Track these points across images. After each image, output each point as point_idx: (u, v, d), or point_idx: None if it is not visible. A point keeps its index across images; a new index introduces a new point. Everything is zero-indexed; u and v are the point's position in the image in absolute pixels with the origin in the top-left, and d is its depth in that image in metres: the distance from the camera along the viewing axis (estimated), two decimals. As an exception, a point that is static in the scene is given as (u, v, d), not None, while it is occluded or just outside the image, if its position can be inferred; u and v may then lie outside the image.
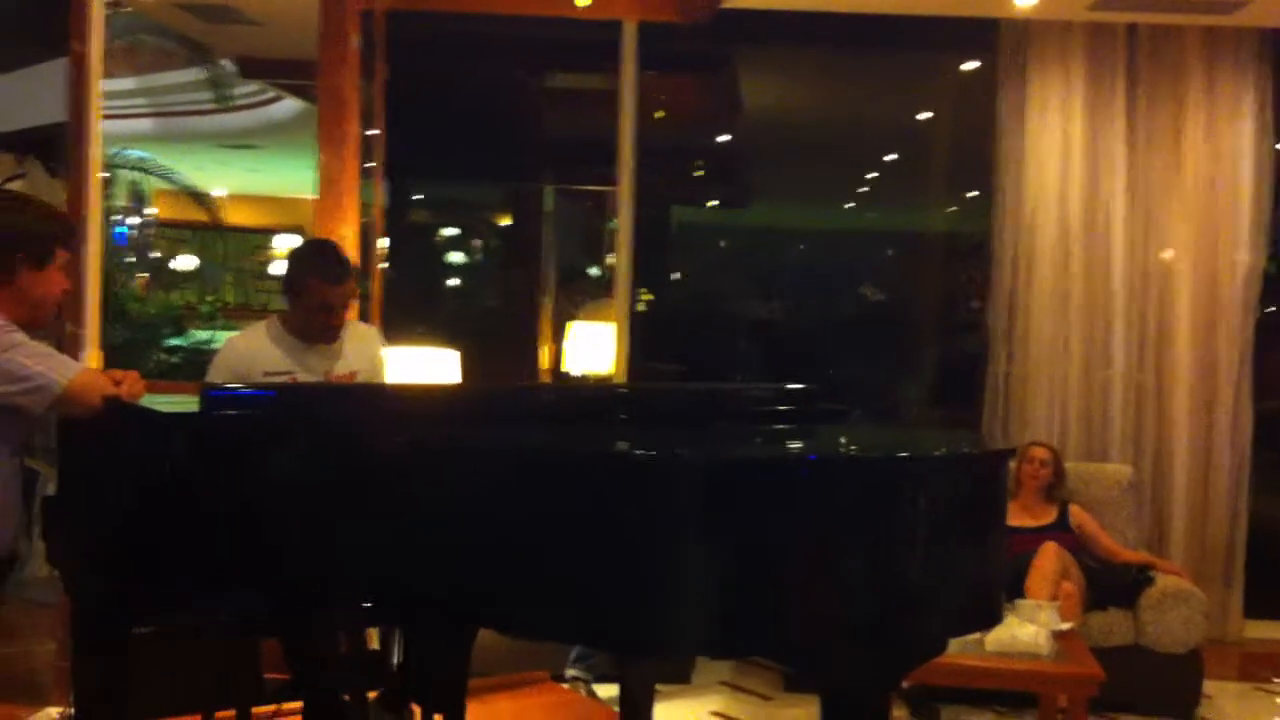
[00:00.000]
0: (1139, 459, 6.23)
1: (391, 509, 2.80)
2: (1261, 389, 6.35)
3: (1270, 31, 6.17)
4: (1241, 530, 6.30)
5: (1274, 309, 6.90)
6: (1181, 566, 5.83)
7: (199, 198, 8.82)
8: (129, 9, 7.30)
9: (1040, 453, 5.78)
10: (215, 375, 3.88)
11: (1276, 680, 5.90)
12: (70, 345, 4.07)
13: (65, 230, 3.20)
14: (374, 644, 4.19)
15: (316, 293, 3.87)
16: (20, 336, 2.97)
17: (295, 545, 2.87)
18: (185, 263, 11.31)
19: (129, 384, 3.06)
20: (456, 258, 10.22)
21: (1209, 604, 5.50)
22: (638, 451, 2.85)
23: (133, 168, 8.20)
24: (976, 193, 7.43)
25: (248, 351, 3.95)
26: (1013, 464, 5.66)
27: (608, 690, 4.86)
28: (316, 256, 4.03)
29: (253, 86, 8.58)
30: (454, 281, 10.09)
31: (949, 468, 2.86)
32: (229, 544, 2.87)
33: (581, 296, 7.42)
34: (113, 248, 8.97)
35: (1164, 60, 6.23)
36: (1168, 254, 6.26)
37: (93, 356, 3.97)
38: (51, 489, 3.29)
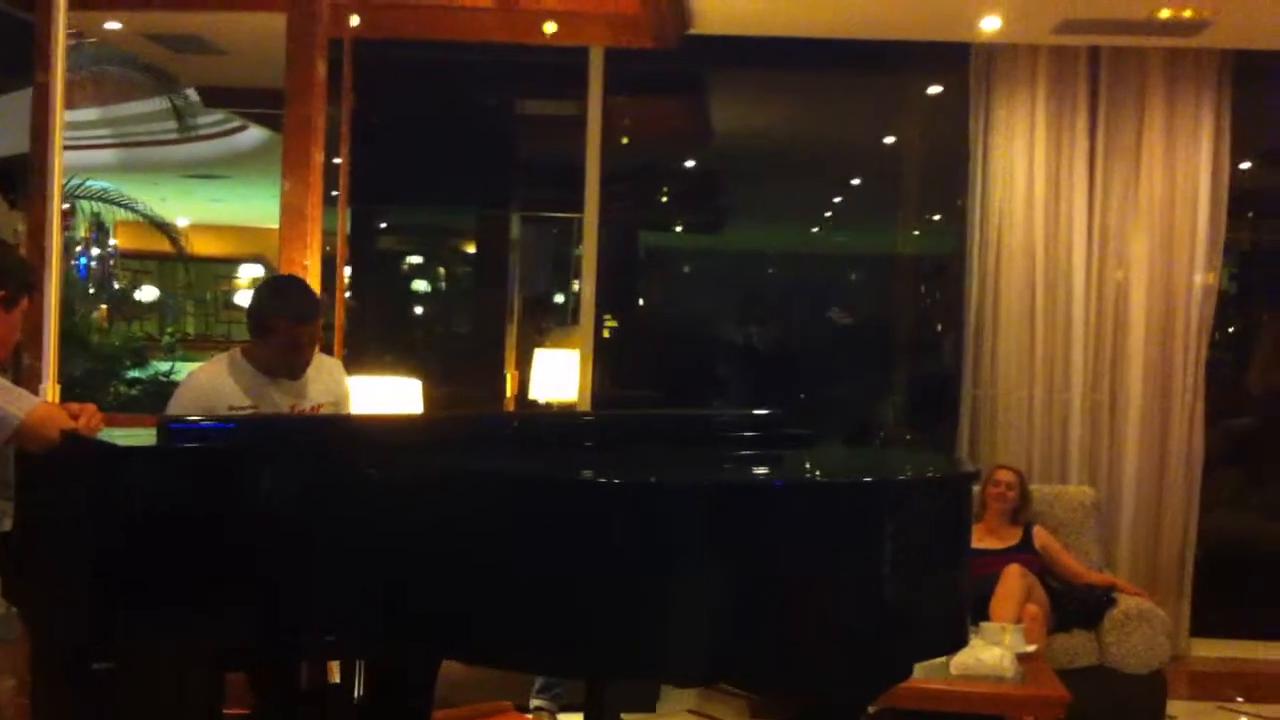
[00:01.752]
0: (1096, 479, 6.25)
1: (357, 538, 2.78)
2: (1219, 407, 6.38)
3: (1230, 53, 6.23)
4: (1192, 548, 6.33)
5: (1231, 329, 6.95)
6: (1133, 585, 5.85)
7: (162, 228, 8.77)
8: (94, 40, 7.27)
9: (1005, 475, 5.80)
10: (178, 409, 3.84)
11: (1240, 699, 5.93)
12: (28, 377, 4.03)
13: (35, 279, 3.39)
14: (335, 677, 4.16)
15: (284, 332, 3.83)
16: (-23, 371, 2.96)
17: (258, 577, 2.85)
18: (147, 294, 11.25)
19: (86, 417, 3.05)
20: (422, 285, 10.20)
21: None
22: (606, 478, 2.83)
23: (95, 198, 8.16)
24: (940, 215, 7.47)
25: (211, 386, 3.91)
26: (977, 487, 5.67)
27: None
28: (284, 294, 3.97)
29: (217, 116, 8.55)
30: (420, 309, 10.06)
31: (913, 491, 2.87)
32: (190, 576, 2.85)
33: (547, 323, 7.42)
34: (73, 279, 8.92)
35: (1126, 82, 6.29)
36: (1120, 275, 6.30)
37: (51, 389, 3.93)
38: (8, 524, 3.25)
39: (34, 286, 3.36)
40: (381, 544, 2.75)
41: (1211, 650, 6.40)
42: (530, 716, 4.94)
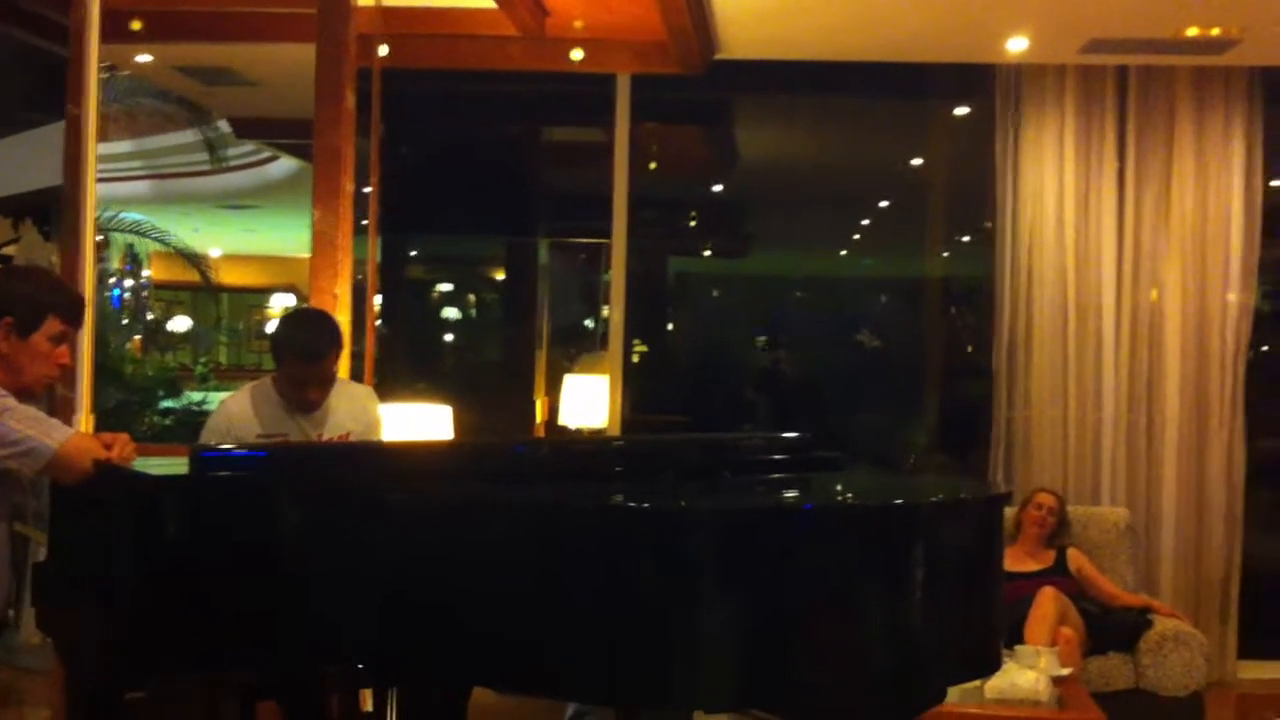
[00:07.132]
0: (1133, 500, 6.20)
1: (388, 566, 2.78)
2: (1258, 428, 6.33)
3: (1259, 70, 6.20)
4: (1236, 570, 6.26)
5: (1266, 348, 6.87)
6: (1175, 608, 5.79)
7: (194, 259, 8.85)
8: (126, 73, 7.36)
9: (1047, 499, 5.76)
10: (209, 437, 3.88)
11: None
12: (62, 409, 4.06)
13: (65, 303, 3.17)
14: (367, 705, 4.16)
15: (292, 366, 3.87)
16: (10, 401, 2.97)
17: (291, 605, 2.85)
18: (180, 324, 11.35)
19: (119, 447, 3.06)
20: (452, 312, 10.25)
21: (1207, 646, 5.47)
22: (635, 503, 2.83)
23: (128, 230, 8.24)
24: (969, 238, 7.45)
25: (240, 413, 3.94)
26: (1011, 509, 5.64)
27: (606, 746, 4.81)
28: (297, 331, 4.00)
29: (248, 147, 8.64)
30: (450, 336, 10.11)
31: (945, 514, 2.86)
32: (223, 604, 2.86)
33: (576, 349, 7.43)
34: (107, 311, 9.01)
35: (1154, 101, 6.28)
36: (1153, 295, 6.26)
37: (85, 420, 3.96)
38: (43, 555, 3.27)
39: (69, 311, 3.23)
40: (411, 572, 2.76)
41: (1260, 673, 6.32)
42: (562, 744, 4.93)
